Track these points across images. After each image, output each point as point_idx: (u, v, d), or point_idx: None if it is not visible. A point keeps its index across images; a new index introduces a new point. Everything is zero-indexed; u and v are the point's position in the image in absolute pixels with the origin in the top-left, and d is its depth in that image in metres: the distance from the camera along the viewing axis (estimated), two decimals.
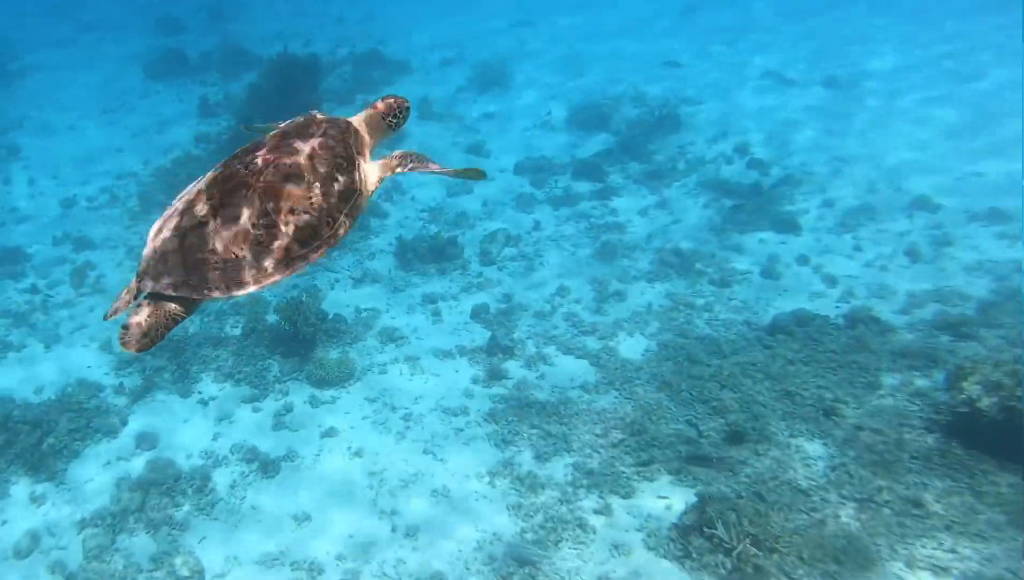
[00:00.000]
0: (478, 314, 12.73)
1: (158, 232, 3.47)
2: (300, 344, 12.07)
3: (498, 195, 16.62)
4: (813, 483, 8.60)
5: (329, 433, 10.66)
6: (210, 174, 3.55)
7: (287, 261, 3.43)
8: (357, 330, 12.60)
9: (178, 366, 12.04)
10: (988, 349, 10.02)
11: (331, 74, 23.28)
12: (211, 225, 3.35)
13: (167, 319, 3.46)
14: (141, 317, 3.42)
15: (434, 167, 3.89)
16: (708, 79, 21.54)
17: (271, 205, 3.39)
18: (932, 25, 22.20)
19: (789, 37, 23.84)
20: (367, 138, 3.86)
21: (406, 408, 10.93)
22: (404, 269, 14.35)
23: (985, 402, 8.27)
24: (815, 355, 10.47)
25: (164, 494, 9.88)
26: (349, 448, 10.37)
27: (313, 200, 3.46)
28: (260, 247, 3.37)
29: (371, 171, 3.79)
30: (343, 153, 3.65)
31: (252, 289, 3.41)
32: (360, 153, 3.75)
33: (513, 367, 11.45)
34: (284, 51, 21.62)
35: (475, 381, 11.30)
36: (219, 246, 3.35)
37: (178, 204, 3.51)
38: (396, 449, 10.26)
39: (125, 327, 3.40)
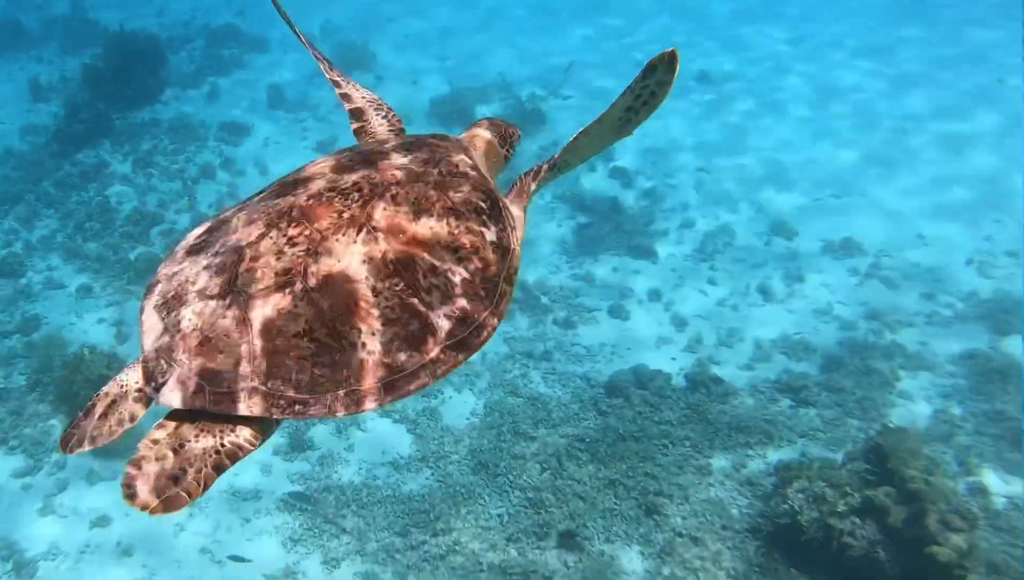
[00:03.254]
0: None
1: (175, 297, 2.16)
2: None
3: None
4: None
5: (101, 522, 9.26)
6: (273, 199, 2.22)
7: (442, 354, 2.09)
8: None
9: None
10: (824, 422, 9.19)
11: (180, 51, 21.30)
12: (299, 288, 2.02)
13: (220, 455, 2.12)
14: (161, 451, 2.06)
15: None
16: (585, 73, 20.01)
17: (403, 261, 2.09)
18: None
19: (678, 28, 22.59)
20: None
21: None
22: None
23: (806, 516, 7.36)
24: (648, 428, 9.45)
25: None
26: (119, 544, 9.01)
27: (465, 254, 2.21)
28: (393, 329, 2.02)
29: (517, 214, 2.63)
30: (485, 192, 2.47)
31: (391, 400, 2.08)
32: (498, 193, 2.63)
33: (320, 433, 10.18)
34: (121, 29, 19.64)
35: (276, 451, 9.99)
36: (317, 327, 1.99)
37: (210, 252, 2.20)
38: (172, 545, 8.94)
39: (135, 467, 2.01)
